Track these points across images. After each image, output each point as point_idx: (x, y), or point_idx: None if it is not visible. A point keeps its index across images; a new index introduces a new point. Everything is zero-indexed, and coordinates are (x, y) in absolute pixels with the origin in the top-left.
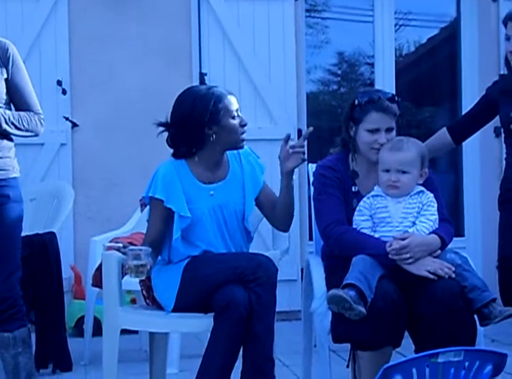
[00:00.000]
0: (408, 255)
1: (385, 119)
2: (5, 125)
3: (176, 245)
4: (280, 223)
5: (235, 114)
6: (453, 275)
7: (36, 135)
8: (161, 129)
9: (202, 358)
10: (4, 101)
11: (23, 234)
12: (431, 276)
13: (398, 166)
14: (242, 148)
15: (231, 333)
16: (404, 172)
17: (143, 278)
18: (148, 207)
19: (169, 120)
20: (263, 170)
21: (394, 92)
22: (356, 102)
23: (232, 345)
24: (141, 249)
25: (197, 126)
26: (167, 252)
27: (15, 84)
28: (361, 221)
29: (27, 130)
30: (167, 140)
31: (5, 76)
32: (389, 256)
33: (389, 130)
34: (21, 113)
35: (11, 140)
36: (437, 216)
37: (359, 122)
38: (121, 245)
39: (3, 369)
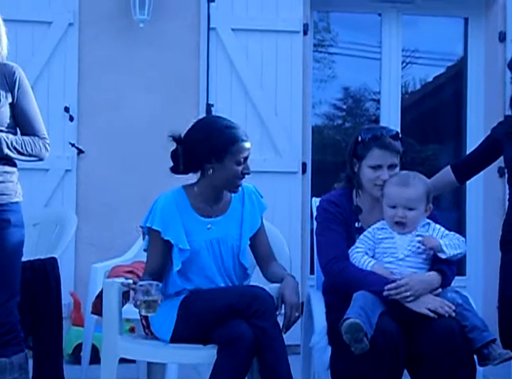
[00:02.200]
0: (408, 293)
1: (388, 156)
2: (6, 150)
3: (176, 278)
4: (269, 277)
5: (241, 161)
6: (453, 314)
7: (41, 160)
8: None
9: None
10: (7, 125)
11: (25, 258)
12: (431, 314)
13: (406, 203)
14: (235, 192)
15: (236, 368)
16: (411, 209)
17: (153, 313)
18: (146, 236)
19: (182, 137)
20: (263, 210)
21: (399, 129)
22: (360, 138)
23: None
24: (151, 284)
25: (201, 155)
26: (163, 283)
27: (21, 108)
28: (357, 247)
29: (30, 155)
30: (171, 153)
31: (10, 100)
32: (389, 297)
33: (391, 167)
34: (25, 137)
35: (14, 165)
36: (457, 236)
37: (362, 159)
38: (131, 281)
39: None
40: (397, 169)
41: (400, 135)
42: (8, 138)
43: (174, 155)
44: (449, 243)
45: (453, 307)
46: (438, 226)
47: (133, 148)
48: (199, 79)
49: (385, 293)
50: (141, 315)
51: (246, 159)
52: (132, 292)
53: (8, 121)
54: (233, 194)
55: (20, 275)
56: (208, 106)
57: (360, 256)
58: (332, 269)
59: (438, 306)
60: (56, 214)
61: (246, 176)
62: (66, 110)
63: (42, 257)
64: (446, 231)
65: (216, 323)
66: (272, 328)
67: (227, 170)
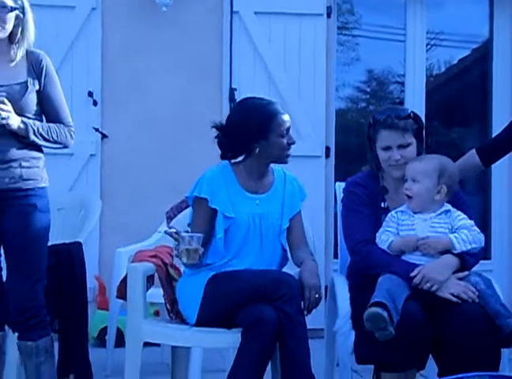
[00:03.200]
0: (428, 284)
1: (395, 136)
2: (33, 137)
3: (218, 245)
4: (295, 261)
5: (284, 133)
6: (477, 300)
7: (66, 147)
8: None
9: (228, 373)
10: (34, 112)
11: (50, 243)
12: (454, 299)
13: (412, 173)
14: (286, 163)
15: (260, 351)
16: (415, 181)
17: (195, 262)
18: (190, 209)
19: (224, 124)
20: (304, 198)
21: (424, 112)
22: (371, 121)
23: (260, 363)
24: (192, 236)
25: (244, 138)
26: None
27: (47, 95)
28: (385, 230)
29: (55, 142)
30: (217, 141)
31: (37, 87)
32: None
33: (402, 147)
34: (51, 125)
35: (41, 150)
36: (475, 227)
37: (375, 141)
38: (174, 230)
39: (25, 378)
40: (411, 148)
41: (412, 114)
42: (34, 125)
43: (219, 143)
44: (462, 238)
45: (477, 292)
46: (457, 214)
47: (157, 131)
48: (222, 63)
49: (412, 284)
50: (165, 300)
51: (288, 130)
52: (174, 243)
53: (35, 108)
54: (276, 176)
55: (46, 260)
56: (232, 90)
57: (385, 236)
58: (359, 252)
59: (461, 291)
60: (80, 198)
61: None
62: (90, 94)
63: (67, 242)
64: (468, 222)
65: (241, 305)
66: (297, 314)
67: (273, 146)
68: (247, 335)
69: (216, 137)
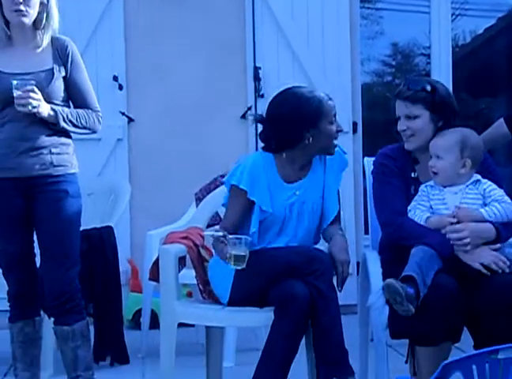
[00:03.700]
0: (462, 234)
1: (401, 106)
2: (63, 123)
3: (252, 239)
4: (324, 236)
5: (333, 120)
6: (507, 270)
7: (94, 132)
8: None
9: (262, 351)
10: (62, 98)
11: (81, 228)
12: (484, 271)
13: (434, 150)
14: (333, 154)
15: (293, 328)
16: (438, 157)
17: (241, 267)
18: (226, 192)
19: (265, 115)
20: (345, 167)
21: (451, 84)
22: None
23: (293, 340)
24: (240, 238)
25: (295, 127)
26: None
27: (74, 81)
28: (417, 204)
29: (84, 128)
30: (259, 135)
31: (64, 74)
32: (447, 234)
33: (409, 118)
34: (80, 110)
35: (70, 137)
36: (507, 198)
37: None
38: (221, 234)
39: (62, 362)
40: (419, 120)
41: (429, 87)
42: (63, 112)
43: (263, 136)
44: (494, 212)
45: (508, 263)
46: (487, 185)
47: (183, 113)
48: (245, 42)
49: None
50: (197, 280)
51: (335, 116)
52: (221, 245)
53: (62, 94)
54: (314, 159)
55: (79, 245)
56: (256, 69)
57: (419, 211)
58: (392, 223)
59: (491, 262)
60: (110, 183)
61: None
62: (115, 79)
63: (98, 226)
64: (498, 194)
65: (273, 281)
66: (329, 290)
67: (323, 133)
68: (280, 313)
69: (261, 133)
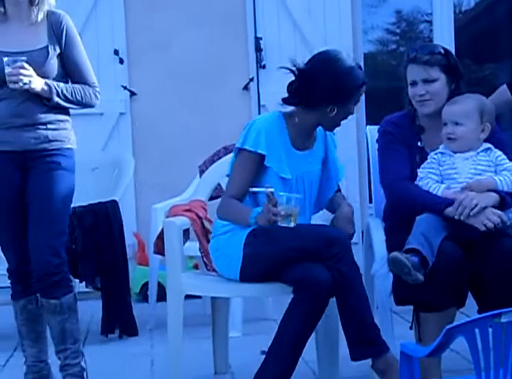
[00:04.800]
0: (470, 201)
1: (418, 70)
2: (56, 98)
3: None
4: (328, 206)
5: (356, 103)
6: (500, 224)
7: (91, 107)
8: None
9: (277, 331)
10: (59, 75)
11: (86, 202)
12: (483, 228)
13: (452, 117)
14: (332, 131)
15: (313, 311)
16: (458, 124)
17: (292, 225)
18: (232, 160)
19: (300, 68)
20: (335, 146)
21: (454, 50)
22: (404, 58)
23: (311, 322)
24: (290, 197)
25: (326, 96)
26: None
27: (68, 57)
28: (428, 172)
29: (80, 103)
30: (288, 86)
31: (59, 51)
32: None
33: (427, 82)
34: (76, 86)
35: (67, 113)
36: None
37: (406, 79)
38: (272, 190)
39: (50, 335)
40: (437, 84)
41: (442, 50)
42: (58, 86)
43: (292, 87)
44: (506, 181)
45: (498, 219)
46: (498, 154)
47: (185, 86)
48: (246, 13)
49: (453, 213)
50: (201, 253)
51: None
52: (267, 204)
53: (56, 72)
54: (317, 131)
55: (67, 218)
56: (257, 40)
57: (432, 182)
58: (396, 189)
59: (485, 219)
60: (113, 157)
61: None
62: (116, 53)
63: (103, 201)
64: (508, 163)
65: (288, 263)
66: (351, 270)
67: (346, 111)
68: (300, 295)
69: (291, 83)
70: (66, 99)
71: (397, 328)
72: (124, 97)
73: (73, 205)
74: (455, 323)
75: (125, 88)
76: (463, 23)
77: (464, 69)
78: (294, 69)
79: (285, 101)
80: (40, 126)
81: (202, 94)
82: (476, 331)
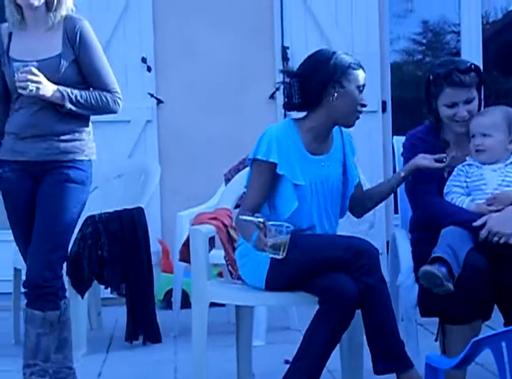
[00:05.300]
0: (496, 238)
1: (461, 93)
2: (69, 105)
3: (294, 215)
4: (361, 209)
5: (361, 88)
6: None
7: (111, 113)
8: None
9: (302, 341)
10: (77, 82)
11: (112, 209)
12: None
13: (480, 129)
14: (352, 126)
15: (339, 323)
16: (486, 135)
17: (280, 257)
18: (248, 172)
19: (294, 70)
20: (354, 155)
21: (481, 61)
22: (431, 77)
23: (337, 333)
24: (281, 226)
25: (323, 79)
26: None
27: (83, 62)
28: (453, 186)
29: (94, 109)
30: (283, 92)
31: (73, 57)
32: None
33: (468, 102)
34: (92, 92)
35: (86, 123)
36: None
37: (437, 98)
38: (261, 220)
39: (23, 345)
40: (476, 102)
41: (473, 66)
42: (72, 93)
43: (287, 89)
44: None
45: None
46: None
47: (212, 94)
48: (273, 21)
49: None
50: (227, 262)
51: (363, 87)
52: (259, 232)
53: (73, 79)
54: (334, 134)
55: (72, 231)
56: (284, 49)
57: (457, 196)
58: (422, 203)
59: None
60: (140, 164)
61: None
62: (144, 60)
63: (129, 207)
64: None
65: (315, 273)
66: (379, 283)
67: (349, 95)
68: (327, 306)
69: (287, 85)
70: (80, 105)
71: (421, 339)
72: (151, 105)
73: (99, 212)
74: (481, 335)
75: (152, 95)
76: (490, 34)
77: (491, 81)
78: (288, 69)
79: (286, 106)
80: (53, 137)
81: (229, 102)
82: (503, 344)
